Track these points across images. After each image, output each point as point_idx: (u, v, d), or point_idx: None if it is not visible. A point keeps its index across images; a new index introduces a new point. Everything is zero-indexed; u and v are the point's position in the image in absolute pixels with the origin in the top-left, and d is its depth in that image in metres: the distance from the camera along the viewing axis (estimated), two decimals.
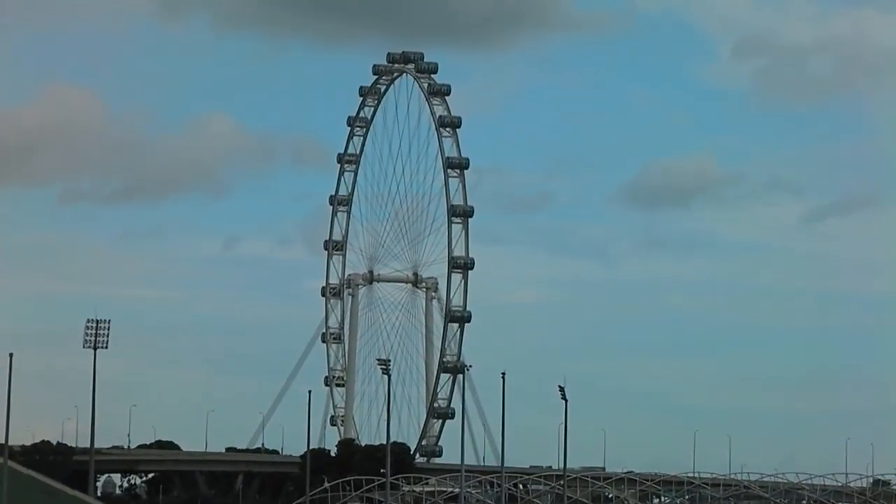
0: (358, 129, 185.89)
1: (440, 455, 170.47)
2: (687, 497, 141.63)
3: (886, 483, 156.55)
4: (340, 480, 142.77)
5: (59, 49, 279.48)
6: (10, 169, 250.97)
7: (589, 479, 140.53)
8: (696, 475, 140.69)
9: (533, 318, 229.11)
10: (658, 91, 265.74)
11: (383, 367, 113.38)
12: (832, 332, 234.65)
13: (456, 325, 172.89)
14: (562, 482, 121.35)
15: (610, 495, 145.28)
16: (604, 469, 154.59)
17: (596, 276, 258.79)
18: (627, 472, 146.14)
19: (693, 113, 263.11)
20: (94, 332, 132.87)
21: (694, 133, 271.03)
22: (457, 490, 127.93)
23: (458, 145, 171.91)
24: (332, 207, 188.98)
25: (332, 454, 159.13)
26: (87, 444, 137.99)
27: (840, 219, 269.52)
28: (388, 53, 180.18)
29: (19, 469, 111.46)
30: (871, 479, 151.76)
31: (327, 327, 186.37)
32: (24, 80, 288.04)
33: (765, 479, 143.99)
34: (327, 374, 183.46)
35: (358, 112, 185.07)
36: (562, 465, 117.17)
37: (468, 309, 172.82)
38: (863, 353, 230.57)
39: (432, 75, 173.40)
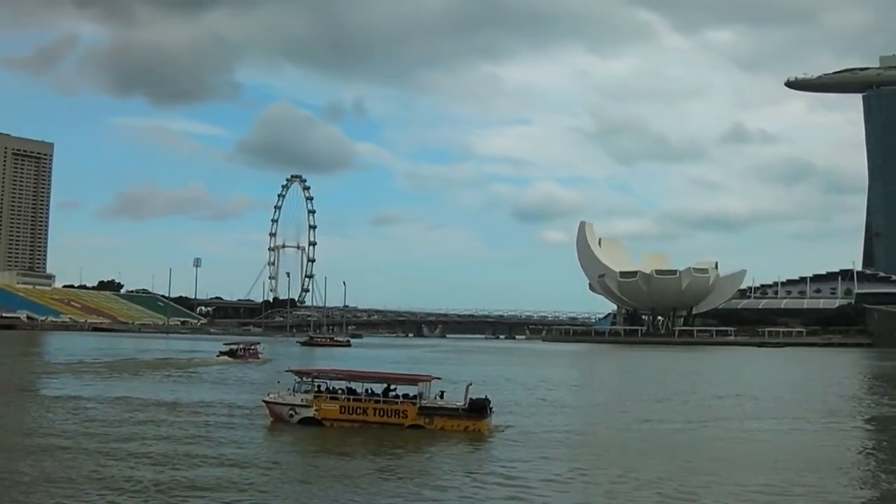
0: (280, 202, 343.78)
1: (304, 303, 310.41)
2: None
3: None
4: (272, 309, 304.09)
5: None
6: None
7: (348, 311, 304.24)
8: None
9: (339, 261, 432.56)
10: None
11: (288, 274, 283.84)
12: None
13: (311, 263, 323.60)
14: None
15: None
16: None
17: (356, 246, 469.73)
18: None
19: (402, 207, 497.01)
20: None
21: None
22: (312, 314, 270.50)
23: (312, 204, 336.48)
24: (272, 225, 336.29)
25: (271, 300, 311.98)
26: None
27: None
28: (290, 175, 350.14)
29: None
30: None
31: (269, 262, 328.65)
32: None
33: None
34: (270, 275, 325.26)
35: (278, 199, 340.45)
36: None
37: (315, 257, 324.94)
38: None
39: (305, 183, 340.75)
